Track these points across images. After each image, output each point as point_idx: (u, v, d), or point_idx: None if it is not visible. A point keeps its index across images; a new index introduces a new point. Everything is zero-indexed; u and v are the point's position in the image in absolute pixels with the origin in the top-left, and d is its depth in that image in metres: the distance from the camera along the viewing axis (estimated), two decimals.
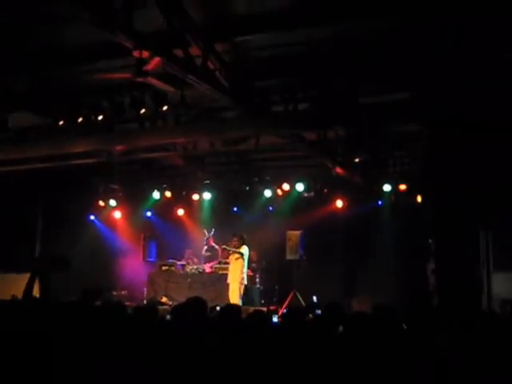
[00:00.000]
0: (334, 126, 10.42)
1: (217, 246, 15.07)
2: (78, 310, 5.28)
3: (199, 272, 15.01)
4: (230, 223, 15.62)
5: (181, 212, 16.73)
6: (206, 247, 15.32)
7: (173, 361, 4.10)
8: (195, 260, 15.38)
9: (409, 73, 8.46)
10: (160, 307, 11.83)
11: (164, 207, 16.64)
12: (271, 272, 15.31)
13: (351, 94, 9.16)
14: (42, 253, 15.21)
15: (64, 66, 8.75)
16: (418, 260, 13.27)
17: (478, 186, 9.52)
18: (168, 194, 16.06)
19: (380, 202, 14.53)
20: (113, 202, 16.42)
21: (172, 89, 8.68)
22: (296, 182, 14.52)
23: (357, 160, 12.37)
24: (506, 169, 10.04)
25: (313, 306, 11.85)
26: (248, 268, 13.99)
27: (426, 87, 8.75)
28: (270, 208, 15.90)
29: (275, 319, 9.71)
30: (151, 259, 16.68)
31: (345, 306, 5.85)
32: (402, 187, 13.74)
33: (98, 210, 16.83)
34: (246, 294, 13.73)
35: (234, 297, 13.34)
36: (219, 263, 15.04)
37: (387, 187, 13.82)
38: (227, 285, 13.60)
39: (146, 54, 6.77)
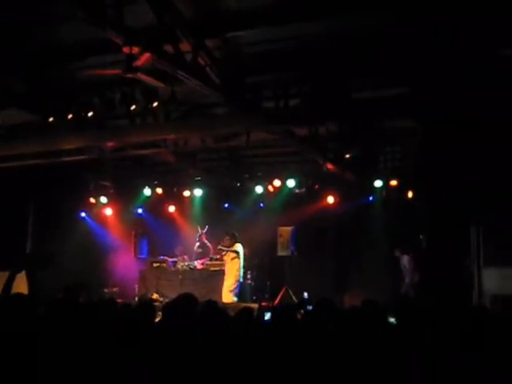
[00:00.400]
0: (326, 121, 10.42)
1: (209, 244, 15.10)
2: (60, 307, 5.25)
3: (190, 269, 14.98)
4: (221, 220, 15.63)
5: (172, 209, 16.75)
6: (198, 243, 15.32)
7: (163, 358, 4.09)
8: (185, 257, 15.36)
9: (403, 69, 8.43)
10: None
11: (155, 204, 16.64)
12: (263, 268, 15.33)
13: (343, 89, 9.15)
14: (24, 251, 15.07)
15: (54, 63, 8.70)
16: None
17: (470, 182, 9.55)
18: (159, 190, 16.05)
19: (371, 198, 14.56)
20: (104, 199, 16.36)
21: (162, 85, 8.65)
22: (287, 179, 14.53)
23: (348, 156, 12.37)
24: (497, 166, 10.08)
25: (304, 302, 11.85)
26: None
27: (419, 84, 8.73)
28: (261, 204, 15.90)
29: (267, 316, 9.69)
30: (142, 256, 16.64)
31: (336, 301, 5.84)
32: (393, 183, 13.76)
33: (88, 207, 16.76)
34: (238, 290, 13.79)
35: (228, 294, 13.41)
36: (210, 260, 15.04)
37: (378, 183, 13.84)
38: (222, 282, 13.67)
39: (136, 49, 6.74)
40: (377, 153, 13.30)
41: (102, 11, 6.28)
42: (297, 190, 14.82)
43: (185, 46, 7.55)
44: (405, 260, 13.97)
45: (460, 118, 8.78)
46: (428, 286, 9.84)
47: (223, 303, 12.42)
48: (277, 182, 14.69)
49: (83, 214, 16.94)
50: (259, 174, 15.15)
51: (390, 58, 8.07)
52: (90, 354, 4.24)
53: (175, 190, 16.13)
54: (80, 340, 4.42)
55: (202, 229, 15.19)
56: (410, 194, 13.43)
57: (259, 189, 15.12)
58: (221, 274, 14.17)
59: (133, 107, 9.72)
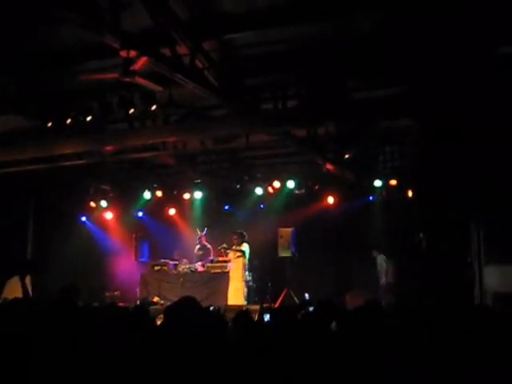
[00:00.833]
0: (325, 122, 10.41)
1: (209, 246, 15.11)
2: (56, 310, 5.25)
3: (191, 271, 14.98)
4: (221, 222, 15.65)
5: (172, 211, 16.76)
6: (198, 246, 15.35)
7: (163, 361, 4.08)
8: (184, 260, 15.36)
9: (401, 69, 8.44)
10: (152, 307, 11.83)
11: (155, 207, 16.63)
12: (264, 269, 15.32)
13: (341, 90, 9.15)
14: (17, 257, 15.02)
15: (52, 68, 8.69)
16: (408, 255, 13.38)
17: (470, 180, 9.55)
18: (159, 193, 16.05)
19: (371, 198, 14.57)
20: (104, 203, 16.38)
21: (160, 88, 8.66)
22: (287, 180, 14.54)
23: (347, 156, 12.37)
24: (496, 163, 10.08)
25: (305, 304, 11.84)
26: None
27: (418, 84, 8.73)
28: (262, 206, 15.92)
29: (267, 318, 9.69)
30: (143, 259, 16.62)
31: (338, 302, 5.84)
32: (393, 183, 13.77)
33: (89, 211, 16.77)
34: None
35: (239, 296, 13.41)
36: (211, 262, 15.04)
37: (378, 183, 13.86)
38: (228, 283, 13.66)
39: (133, 53, 6.74)
40: (376, 153, 13.30)
41: (99, 16, 6.28)
42: (297, 191, 14.83)
43: (182, 49, 7.55)
44: (381, 260, 14.07)
45: (459, 117, 8.78)
46: (429, 285, 9.83)
47: (226, 305, 12.43)
48: (276, 183, 14.69)
49: (84, 218, 16.96)
50: (259, 175, 15.15)
51: (387, 58, 8.07)
52: (84, 357, 4.24)
53: (175, 192, 16.12)
54: (74, 342, 4.41)
55: (202, 231, 15.20)
56: (409, 194, 13.44)
57: (259, 190, 15.13)
58: (222, 276, 14.18)
59: (131, 111, 9.71)
